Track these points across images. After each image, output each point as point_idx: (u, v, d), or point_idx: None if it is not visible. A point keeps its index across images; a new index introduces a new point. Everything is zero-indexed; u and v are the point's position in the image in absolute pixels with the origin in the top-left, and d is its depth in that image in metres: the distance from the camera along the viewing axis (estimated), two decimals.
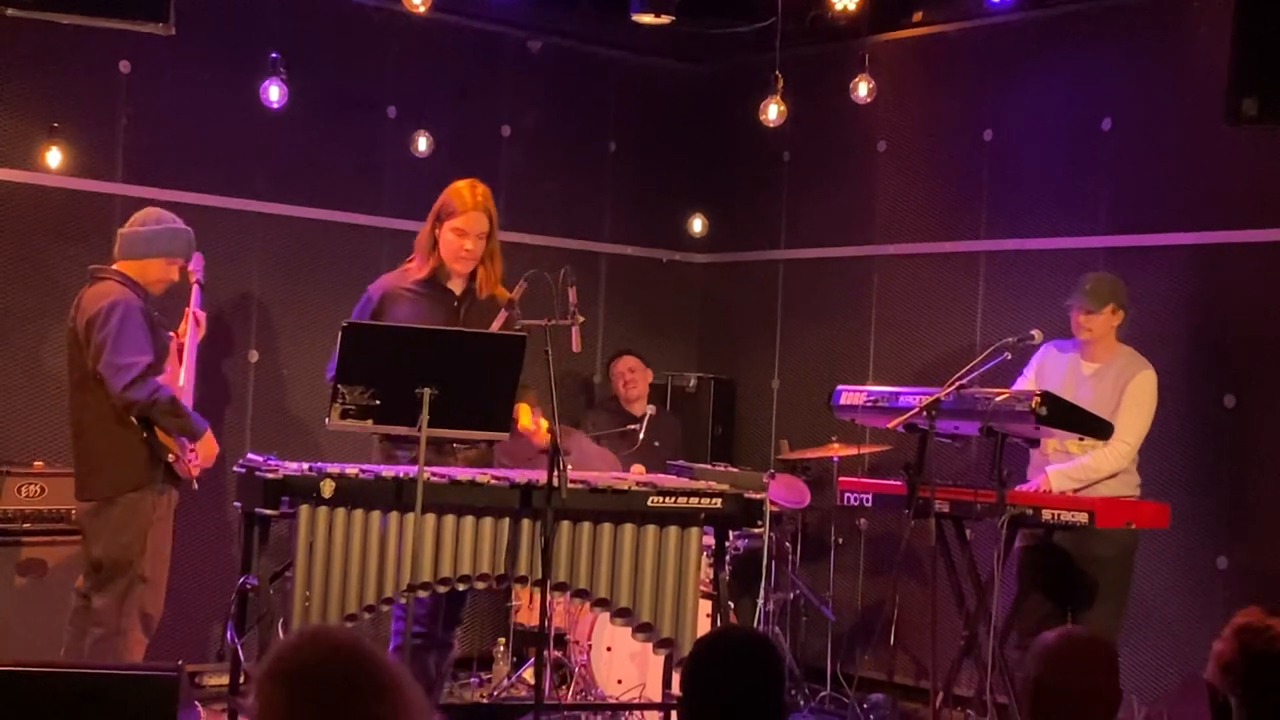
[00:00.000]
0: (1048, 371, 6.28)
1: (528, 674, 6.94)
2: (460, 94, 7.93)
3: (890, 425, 5.99)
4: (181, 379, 5.87)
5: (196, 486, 5.91)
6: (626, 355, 7.98)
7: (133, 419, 5.66)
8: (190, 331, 5.97)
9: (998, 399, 5.76)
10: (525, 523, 5.32)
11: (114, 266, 5.82)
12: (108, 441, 5.70)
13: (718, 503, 5.58)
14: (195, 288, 6.04)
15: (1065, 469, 6.06)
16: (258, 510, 5.11)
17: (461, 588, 5.39)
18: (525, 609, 7.07)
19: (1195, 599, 6.64)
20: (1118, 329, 6.23)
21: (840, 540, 7.67)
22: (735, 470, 6.02)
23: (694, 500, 5.54)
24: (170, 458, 5.72)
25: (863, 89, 7.20)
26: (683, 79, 8.75)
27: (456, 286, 5.88)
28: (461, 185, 5.83)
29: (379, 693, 2.41)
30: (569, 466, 5.23)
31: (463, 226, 5.76)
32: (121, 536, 5.69)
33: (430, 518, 5.17)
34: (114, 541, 5.69)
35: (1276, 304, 6.53)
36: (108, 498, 5.70)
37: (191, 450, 5.80)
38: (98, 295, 5.71)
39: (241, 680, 5.28)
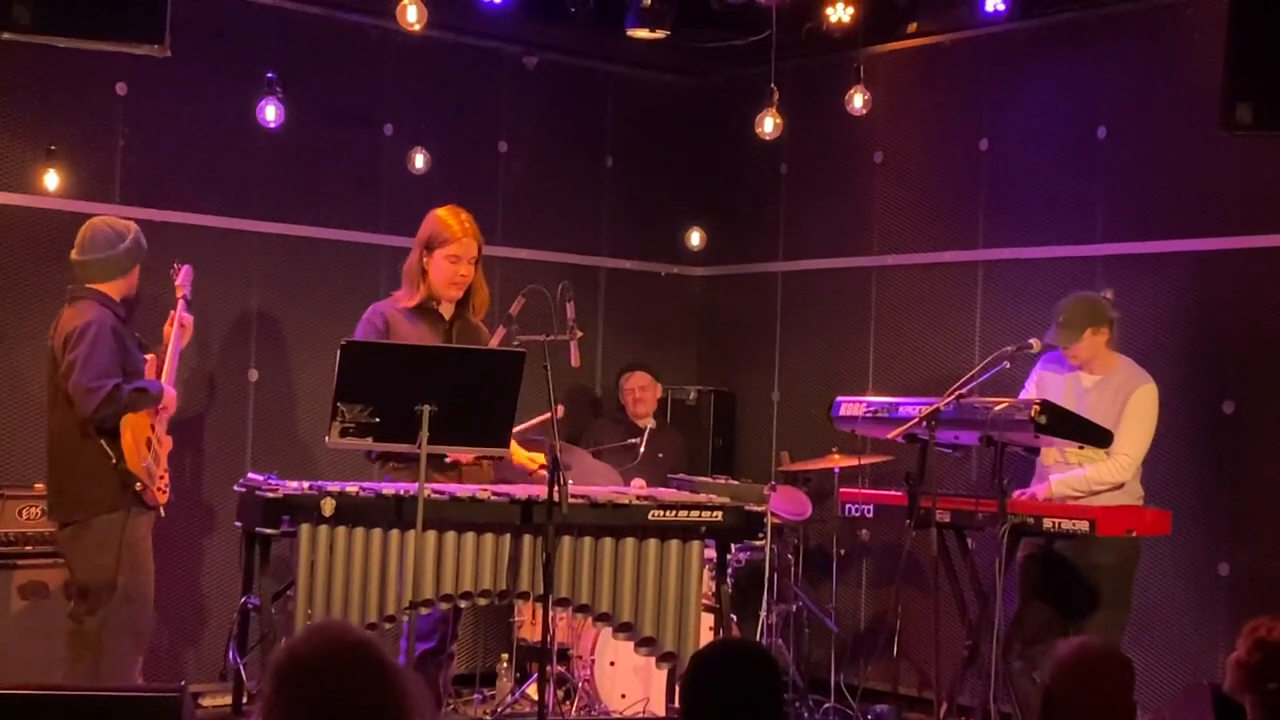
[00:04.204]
0: (1047, 385, 6.22)
1: (531, 690, 6.93)
2: (457, 110, 7.94)
3: (890, 436, 6.00)
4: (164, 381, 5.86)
5: (163, 514, 5.86)
6: (638, 371, 7.92)
7: (103, 444, 5.64)
8: (175, 335, 5.95)
9: (997, 408, 5.75)
10: (526, 538, 5.33)
11: (91, 285, 5.78)
12: (78, 462, 5.68)
13: (719, 515, 5.59)
14: (180, 302, 6.02)
15: (1068, 478, 6.03)
16: (258, 529, 5.12)
17: (463, 604, 5.39)
18: (528, 625, 7.06)
19: (1197, 605, 6.64)
20: (1109, 341, 6.19)
21: (842, 551, 7.66)
22: (736, 483, 6.02)
23: (695, 513, 5.54)
24: (138, 486, 5.68)
25: (858, 100, 7.21)
26: (679, 93, 8.76)
27: (446, 311, 5.91)
28: (445, 213, 5.89)
29: (386, 686, 2.53)
30: (569, 482, 5.24)
31: (457, 253, 5.82)
32: (100, 558, 5.65)
33: (431, 535, 5.18)
34: (93, 564, 5.66)
35: (1274, 309, 6.54)
36: (82, 520, 5.68)
37: (161, 478, 5.78)
38: (74, 315, 5.70)
39: (244, 700, 5.27)
